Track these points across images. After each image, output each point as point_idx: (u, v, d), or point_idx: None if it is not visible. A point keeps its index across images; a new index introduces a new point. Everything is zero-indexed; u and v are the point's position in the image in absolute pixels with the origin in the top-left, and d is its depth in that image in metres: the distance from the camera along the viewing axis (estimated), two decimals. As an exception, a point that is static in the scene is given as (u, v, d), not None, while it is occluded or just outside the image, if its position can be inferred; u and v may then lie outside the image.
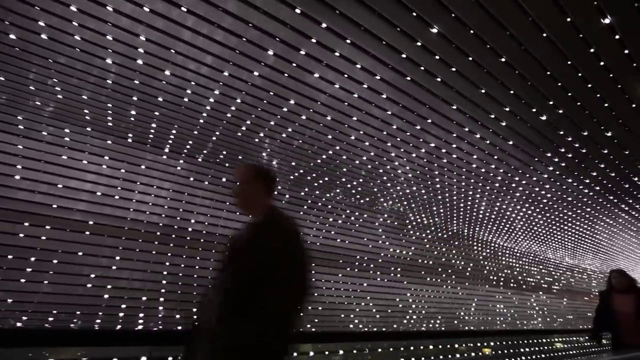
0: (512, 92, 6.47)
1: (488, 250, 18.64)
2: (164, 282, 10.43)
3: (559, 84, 6.32)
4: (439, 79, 6.34)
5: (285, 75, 6.45)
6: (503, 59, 5.81)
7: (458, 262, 17.44)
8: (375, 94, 6.96)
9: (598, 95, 6.62)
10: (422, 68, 6.11)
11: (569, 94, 6.50)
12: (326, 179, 11.39)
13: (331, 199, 12.90)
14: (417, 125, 7.94)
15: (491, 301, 19.19)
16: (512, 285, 20.74)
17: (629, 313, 3.31)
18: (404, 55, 5.86)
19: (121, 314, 9.99)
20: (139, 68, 6.41)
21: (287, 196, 11.99)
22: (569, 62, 5.79)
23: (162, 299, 10.32)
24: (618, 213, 13.04)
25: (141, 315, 10.26)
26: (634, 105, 6.91)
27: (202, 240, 11.24)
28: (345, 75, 6.45)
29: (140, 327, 10.13)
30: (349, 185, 11.85)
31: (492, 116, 7.21)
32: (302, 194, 12.28)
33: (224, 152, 9.92)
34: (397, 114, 7.39)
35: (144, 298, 10.32)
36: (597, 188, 10.36)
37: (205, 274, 11.08)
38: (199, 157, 10.38)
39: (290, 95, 7.06)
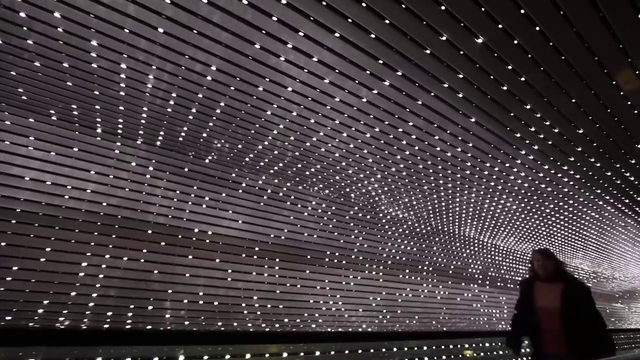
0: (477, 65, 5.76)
1: (471, 248, 17.92)
2: (117, 278, 9.67)
3: (528, 55, 5.60)
4: (413, 63, 5.63)
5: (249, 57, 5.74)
6: (480, 40, 5.11)
7: (438, 259, 16.73)
8: (344, 80, 6.28)
9: (574, 70, 5.90)
10: (395, 49, 5.39)
11: (540, 66, 5.76)
12: (293, 168, 10.68)
13: (294, 189, 12.15)
14: (396, 114, 7.22)
15: (474, 301, 18.49)
16: (499, 284, 20.07)
17: (551, 310, 2.37)
18: (372, 36, 5.16)
19: (65, 311, 9.24)
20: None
21: (243, 185, 11.25)
22: (551, 43, 5.08)
23: (114, 295, 9.56)
24: (604, 206, 12.33)
25: (88, 312, 9.52)
26: (621, 93, 6.24)
27: (164, 234, 10.52)
28: (315, 59, 5.77)
29: (84, 326, 9.40)
30: (319, 177, 11.13)
31: (474, 104, 6.50)
32: (260, 182, 11.54)
33: (180, 139, 9.19)
34: (368, 98, 6.65)
35: (94, 295, 9.57)
36: (577, 176, 9.64)
37: (166, 269, 10.37)
38: (157, 144, 9.63)
39: (254, 79, 6.36)
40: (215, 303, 10.57)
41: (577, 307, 2.26)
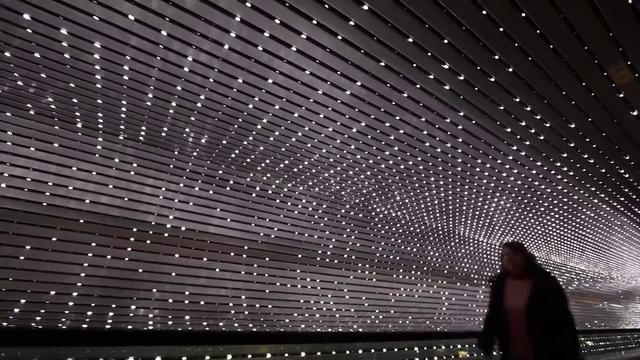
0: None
1: (465, 247, 17.70)
2: (101, 277, 9.44)
3: (515, 43, 5.37)
4: (396, 52, 5.40)
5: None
6: (464, 27, 4.89)
7: (433, 259, 16.50)
8: (325, 72, 6.03)
9: (563, 60, 5.68)
10: (376, 38, 5.16)
11: (527, 55, 5.53)
12: (281, 165, 10.45)
13: (283, 186, 11.92)
14: (382, 108, 7.00)
15: (470, 301, 18.26)
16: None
17: (518, 309, 2.16)
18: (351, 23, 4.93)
19: (42, 311, 9.01)
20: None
21: (230, 182, 11.01)
22: (538, 31, 4.85)
23: (96, 295, 9.33)
24: (599, 205, 12.12)
25: (67, 312, 9.28)
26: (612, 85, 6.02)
27: (150, 232, 10.28)
28: (294, 49, 5.54)
29: (64, 325, 9.17)
30: (309, 173, 10.91)
31: (462, 97, 6.24)
32: (248, 179, 11.31)
33: (163, 134, 8.93)
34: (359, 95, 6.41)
35: (74, 294, 9.34)
36: (571, 173, 9.41)
37: (152, 268, 10.14)
38: (140, 140, 9.39)
39: (237, 73, 6.13)
40: (202, 302, 10.34)
41: (544, 305, 2.04)
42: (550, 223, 14.52)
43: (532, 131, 7.39)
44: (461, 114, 7.02)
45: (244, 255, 11.71)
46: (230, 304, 10.83)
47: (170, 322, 9.64)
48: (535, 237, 17.47)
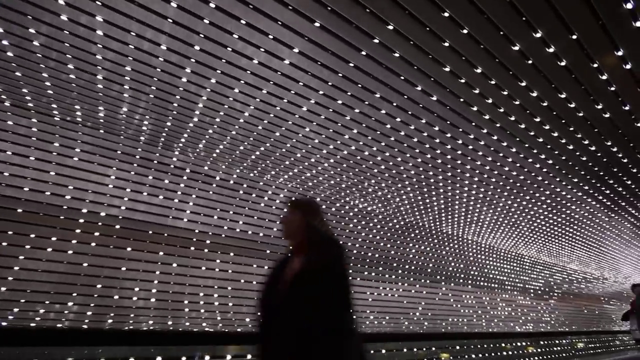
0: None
1: (446, 243, 16.97)
2: (37, 271, 8.70)
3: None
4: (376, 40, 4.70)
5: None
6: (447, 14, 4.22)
7: (410, 255, 15.78)
8: (281, 50, 5.43)
9: (524, 19, 4.96)
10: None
11: (483, 14, 4.79)
12: (240, 152, 9.71)
13: (248, 176, 11.16)
14: (349, 92, 6.34)
15: (456, 301, 17.54)
16: (482, 283, 19.13)
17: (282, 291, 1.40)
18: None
19: (16, 309, 8.29)
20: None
21: (188, 170, 10.24)
22: None
23: (29, 291, 8.58)
24: (584, 199, 11.39)
25: (16, 310, 8.54)
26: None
27: (99, 223, 9.54)
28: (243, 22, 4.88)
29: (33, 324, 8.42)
30: (274, 162, 10.17)
31: (415, 67, 5.50)
32: (206, 168, 10.54)
33: (102, 114, 8.15)
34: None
35: (3, 289, 8.58)
36: (550, 161, 8.69)
37: (100, 262, 9.40)
38: (84, 124, 8.62)
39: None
40: (153, 300, 9.60)
41: (305, 293, 1.31)
42: (536, 218, 13.81)
43: (501, 110, 6.66)
44: (418, 88, 6.25)
45: (206, 250, 10.97)
46: (186, 302, 10.09)
47: (110, 321, 8.90)
48: (523, 235, 16.75)
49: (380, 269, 14.98)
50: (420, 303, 16.07)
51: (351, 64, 5.76)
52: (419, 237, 15.55)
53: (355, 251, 13.99)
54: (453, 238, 16.91)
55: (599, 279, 25.29)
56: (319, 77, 6.12)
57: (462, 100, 6.48)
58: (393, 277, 15.41)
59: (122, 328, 8.95)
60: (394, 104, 6.70)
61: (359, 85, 6.27)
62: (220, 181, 10.77)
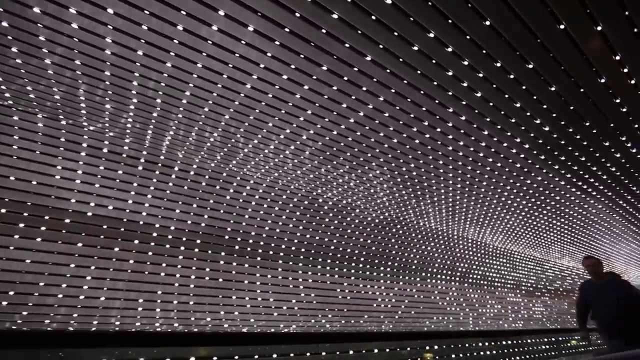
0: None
1: (431, 239, 16.33)
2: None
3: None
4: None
5: None
6: None
7: (392, 251, 15.14)
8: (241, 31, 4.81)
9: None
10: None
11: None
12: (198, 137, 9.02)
13: (210, 166, 10.48)
14: (314, 76, 5.73)
15: (442, 299, 16.90)
16: (470, 280, 18.50)
17: None
18: None
19: None
20: None
21: (142, 160, 9.56)
22: None
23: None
24: (568, 188, 10.77)
25: None
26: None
27: (46, 217, 8.87)
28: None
29: None
30: (237, 146, 9.49)
31: (381, 46, 4.89)
32: (162, 157, 9.86)
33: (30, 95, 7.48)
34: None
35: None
36: (526, 146, 8.05)
37: (44, 258, 8.73)
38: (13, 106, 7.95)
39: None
40: (102, 298, 8.93)
41: None
42: (520, 210, 13.20)
43: (478, 95, 6.04)
44: (387, 70, 5.64)
45: (167, 246, 10.32)
46: (140, 300, 9.42)
47: (47, 321, 8.23)
48: (511, 229, 16.14)
49: (360, 265, 14.36)
50: (404, 301, 15.45)
51: (312, 44, 5.18)
52: (400, 232, 14.92)
53: (332, 247, 13.36)
54: (437, 233, 16.28)
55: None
56: (283, 60, 5.53)
57: (435, 83, 5.88)
58: (374, 274, 14.79)
59: (68, 329, 8.28)
60: (364, 89, 6.07)
61: (324, 68, 5.67)
62: (180, 172, 10.11)
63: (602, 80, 5.86)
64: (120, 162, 9.38)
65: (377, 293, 14.62)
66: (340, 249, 13.60)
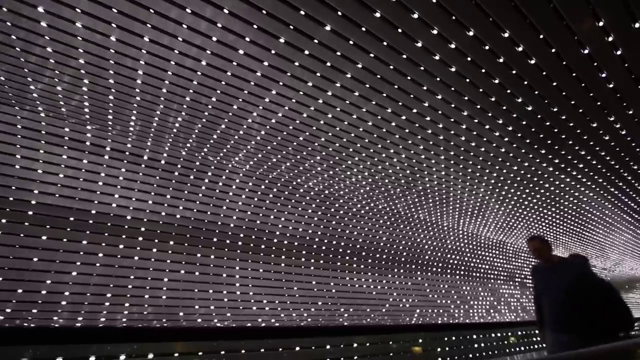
0: None
1: (422, 229, 15.94)
2: None
3: None
4: None
5: None
6: None
7: (380, 244, 14.75)
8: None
9: None
10: None
11: None
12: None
13: (178, 154, 10.03)
14: (296, 62, 5.28)
15: (432, 291, 16.56)
16: (461, 273, 18.16)
17: None
18: None
19: None
20: None
21: (108, 149, 9.09)
22: None
23: None
24: (557, 175, 10.34)
25: None
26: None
27: (7, 209, 8.43)
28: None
29: None
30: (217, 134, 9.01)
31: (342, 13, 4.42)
32: (129, 145, 9.38)
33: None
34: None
35: None
36: (510, 128, 7.60)
37: (31, 255, 8.32)
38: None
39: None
40: (66, 293, 8.52)
41: None
42: (510, 200, 12.78)
43: (453, 69, 5.57)
44: (363, 49, 5.22)
45: (140, 238, 9.89)
46: (108, 295, 9.01)
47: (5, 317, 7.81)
48: (502, 220, 15.76)
49: (347, 257, 13.97)
50: (392, 294, 15.09)
51: (292, 27, 4.78)
52: (388, 223, 14.51)
53: (317, 239, 12.95)
54: (427, 223, 15.88)
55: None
56: (264, 46, 5.14)
57: (404, 56, 5.41)
58: (362, 266, 14.41)
59: (29, 325, 7.87)
60: (328, 64, 5.63)
61: (306, 53, 5.25)
62: (149, 161, 9.65)
63: (586, 51, 5.39)
64: (85, 150, 8.91)
65: (364, 286, 14.26)
66: (326, 240, 13.20)
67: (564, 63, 5.64)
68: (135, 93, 6.87)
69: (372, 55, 5.42)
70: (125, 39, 5.30)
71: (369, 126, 7.61)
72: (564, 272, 2.91)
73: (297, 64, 5.64)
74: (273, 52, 5.41)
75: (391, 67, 5.67)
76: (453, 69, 5.76)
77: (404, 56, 5.46)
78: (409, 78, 5.95)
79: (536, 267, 3.29)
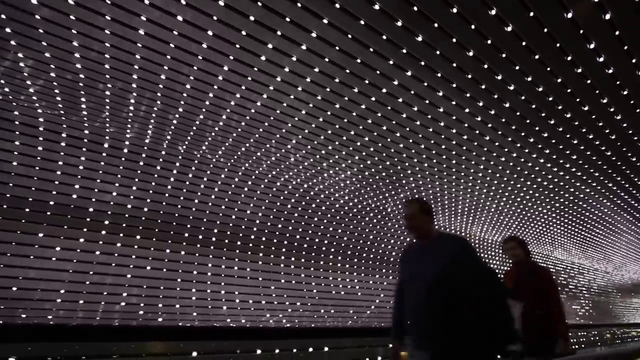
0: None
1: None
2: None
3: None
4: None
5: None
6: None
7: (367, 242, 14.06)
8: None
9: None
10: None
11: None
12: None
13: (143, 138, 9.43)
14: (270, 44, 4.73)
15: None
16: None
17: None
18: None
19: None
20: None
21: (64, 135, 8.49)
22: None
23: None
24: (554, 171, 9.63)
25: None
26: None
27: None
28: None
29: None
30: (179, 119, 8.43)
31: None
32: (92, 132, 8.80)
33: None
34: None
35: None
36: (503, 120, 6.94)
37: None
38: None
39: None
40: (14, 289, 7.94)
41: None
42: (507, 198, 12.07)
43: (469, 76, 4.96)
44: (370, 49, 4.71)
45: (103, 232, 9.30)
46: (62, 291, 8.43)
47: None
48: (498, 220, 15.03)
49: (331, 257, 13.30)
50: (379, 295, 14.39)
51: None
52: (375, 220, 13.84)
53: (298, 236, 12.30)
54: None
55: (588, 270, 23.49)
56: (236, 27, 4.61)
57: (423, 64, 4.88)
58: (347, 265, 13.73)
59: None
60: (325, 59, 5.10)
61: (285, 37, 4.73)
62: (111, 149, 9.07)
63: (569, 15, 4.74)
64: (39, 136, 8.35)
65: (348, 287, 13.57)
66: (307, 238, 12.55)
67: (545, 30, 4.98)
68: (102, 79, 6.34)
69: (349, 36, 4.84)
70: (88, 19, 4.77)
71: (354, 117, 7.00)
72: (439, 252, 1.75)
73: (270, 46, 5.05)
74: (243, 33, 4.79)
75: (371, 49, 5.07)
76: (419, 38, 5.11)
77: (384, 37, 4.86)
78: (370, 49, 5.32)
79: (408, 249, 1.98)
